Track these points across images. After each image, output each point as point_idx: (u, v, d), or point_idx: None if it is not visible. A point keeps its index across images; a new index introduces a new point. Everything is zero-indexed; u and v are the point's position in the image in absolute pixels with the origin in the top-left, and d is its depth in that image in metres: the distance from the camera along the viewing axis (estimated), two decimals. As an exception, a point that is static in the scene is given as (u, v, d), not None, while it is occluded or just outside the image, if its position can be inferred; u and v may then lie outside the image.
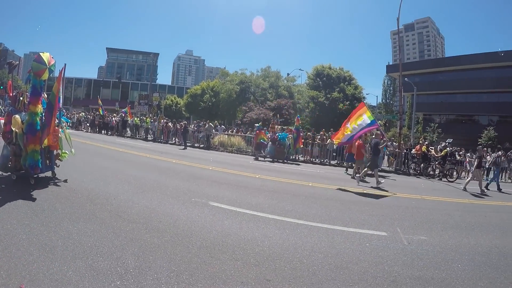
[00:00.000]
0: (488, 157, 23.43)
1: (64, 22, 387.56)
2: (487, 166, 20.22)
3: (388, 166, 22.63)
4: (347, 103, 50.14)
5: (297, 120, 24.22)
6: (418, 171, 20.62)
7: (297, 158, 23.89)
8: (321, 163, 22.80)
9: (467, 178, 16.72)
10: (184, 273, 4.45)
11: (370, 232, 7.11)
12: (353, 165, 18.16)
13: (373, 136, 15.86)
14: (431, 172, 20.50)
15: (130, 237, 5.59)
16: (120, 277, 4.19)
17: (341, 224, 7.53)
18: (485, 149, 29.12)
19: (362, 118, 13.74)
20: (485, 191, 15.29)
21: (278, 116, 31.67)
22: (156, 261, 4.74)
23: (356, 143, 16.14)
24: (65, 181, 9.24)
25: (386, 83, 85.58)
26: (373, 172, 14.71)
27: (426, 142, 23.79)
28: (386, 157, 23.06)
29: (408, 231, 7.38)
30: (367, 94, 57.53)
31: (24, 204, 6.95)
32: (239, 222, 7.05)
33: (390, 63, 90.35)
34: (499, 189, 16.62)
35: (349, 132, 13.95)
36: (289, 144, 22.56)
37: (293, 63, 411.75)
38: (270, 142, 22.61)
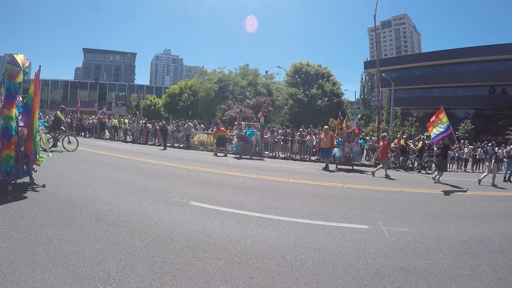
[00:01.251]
0: (466, 149, 23.95)
1: (39, 23, 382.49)
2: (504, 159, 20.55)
3: (367, 160, 22.88)
4: (326, 99, 50.73)
5: (261, 116, 24.45)
6: (397, 164, 20.89)
7: (277, 155, 24.03)
8: (302, 159, 22.92)
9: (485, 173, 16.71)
10: (167, 275, 4.43)
11: (351, 225, 7.18)
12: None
13: (441, 141, 16.04)
14: (410, 165, 20.80)
15: (111, 240, 5.53)
16: (103, 282, 4.15)
17: (323, 219, 7.58)
18: (463, 141, 29.66)
19: (441, 123, 15.45)
20: (495, 185, 15.66)
21: (241, 111, 31.84)
22: (138, 264, 4.70)
23: (382, 143, 17.21)
24: (44, 186, 9.07)
25: (364, 79, 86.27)
26: (440, 174, 15.39)
27: (404, 136, 24.13)
28: (365, 152, 23.32)
29: (389, 223, 7.48)
30: (345, 90, 58.29)
31: (2, 211, 6.80)
32: (220, 221, 7.03)
33: (368, 59, 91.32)
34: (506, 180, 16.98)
35: (434, 131, 15.69)
36: (256, 140, 23.03)
37: (271, 60, 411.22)
38: (236, 139, 22.84)
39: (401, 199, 10.76)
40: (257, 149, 23.36)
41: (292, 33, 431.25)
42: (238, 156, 22.16)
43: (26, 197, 8.01)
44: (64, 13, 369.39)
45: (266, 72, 55.82)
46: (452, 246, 6.15)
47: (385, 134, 21.22)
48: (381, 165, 16.89)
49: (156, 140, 29.67)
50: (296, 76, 55.65)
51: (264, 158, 22.48)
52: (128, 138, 32.01)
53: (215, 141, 24.41)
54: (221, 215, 7.48)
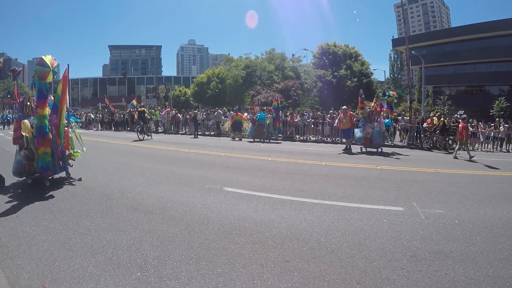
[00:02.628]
0: (501, 127, 23.13)
1: (64, 25, 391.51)
2: None
3: (400, 141, 22.45)
4: (355, 79, 49.82)
5: (276, 99, 24.38)
6: (431, 145, 20.35)
7: (308, 138, 23.93)
8: (333, 142, 22.68)
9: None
10: (203, 260, 4.48)
11: (386, 207, 7.05)
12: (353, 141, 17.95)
13: None
14: (437, 145, 20.15)
15: (147, 228, 5.64)
16: (141, 268, 4.24)
17: (357, 201, 7.49)
18: (498, 119, 28.62)
19: None
20: None
21: (258, 97, 31.88)
22: (174, 250, 4.78)
23: (460, 125, 16.43)
24: (80, 179, 9.34)
25: (392, 58, 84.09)
26: None
27: (437, 114, 23.40)
28: (398, 132, 22.87)
29: (425, 205, 7.29)
30: (374, 69, 56.46)
31: (42, 205, 7.05)
32: (255, 205, 7.06)
33: (395, 37, 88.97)
34: None
35: None
36: (268, 123, 23.02)
37: (298, 43, 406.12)
38: (250, 123, 23.47)
39: (436, 180, 10.45)
40: (271, 132, 23.47)
41: (317, 13, 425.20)
42: (252, 140, 22.79)
43: (64, 191, 8.27)
44: (88, 13, 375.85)
45: (293, 55, 54.90)
46: (489, 229, 5.93)
47: (465, 116, 20.19)
48: (458, 147, 16.33)
49: (187, 129, 29.96)
50: (324, 57, 54.60)
51: (280, 141, 22.88)
52: (160, 129, 32.40)
53: (230, 125, 25.24)
54: (255, 199, 7.51)
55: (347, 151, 17.33)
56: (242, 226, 5.77)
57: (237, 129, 24.59)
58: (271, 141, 22.64)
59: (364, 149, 17.39)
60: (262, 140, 22.64)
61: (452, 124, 20.31)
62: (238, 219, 6.12)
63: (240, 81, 52.41)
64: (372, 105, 18.32)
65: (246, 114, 27.08)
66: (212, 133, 28.30)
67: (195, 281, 3.97)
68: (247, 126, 24.35)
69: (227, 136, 26.03)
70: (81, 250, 4.82)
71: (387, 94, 19.15)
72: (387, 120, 18.43)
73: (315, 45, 74.93)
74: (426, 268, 4.34)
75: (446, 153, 18.28)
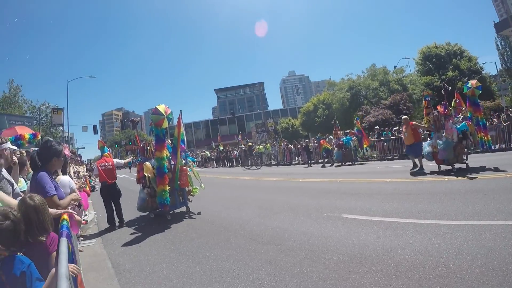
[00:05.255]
0: None
1: (174, 77, 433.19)
2: None
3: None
4: (465, 79, 45.67)
5: (357, 122, 24.44)
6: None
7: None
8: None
9: None
10: (322, 290, 4.32)
11: (523, 223, 6.24)
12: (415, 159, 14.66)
13: None
14: None
15: (265, 258, 5.68)
16: (258, 298, 4.23)
17: (488, 218, 6.72)
18: None
19: None
20: None
21: (337, 122, 31.20)
22: (292, 280, 4.72)
23: None
24: (199, 213, 10.03)
25: (500, 45, 74.18)
26: None
27: None
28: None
29: None
30: (483, 63, 50.24)
31: (163, 237, 7.66)
32: (375, 231, 6.73)
33: (496, 21, 79.50)
34: None
35: None
36: (355, 146, 23.26)
37: (397, 53, 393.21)
38: (336, 148, 24.04)
39: None
40: (357, 154, 23.85)
41: (409, 16, 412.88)
42: (340, 164, 23.50)
43: (184, 224, 9.01)
44: (195, 63, 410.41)
45: (395, 67, 52.95)
46: None
47: None
48: None
49: (300, 159, 30.14)
50: (427, 62, 50.86)
51: (367, 162, 23.10)
52: (273, 162, 32.99)
53: (323, 153, 25.87)
54: (375, 225, 7.18)
55: (417, 171, 14.02)
56: (363, 254, 5.52)
57: (328, 156, 25.24)
58: (356, 162, 22.99)
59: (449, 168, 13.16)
60: (351, 162, 22.91)
61: None
62: (358, 246, 5.88)
63: (346, 104, 51.63)
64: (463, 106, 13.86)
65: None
66: (326, 160, 28.02)
67: (314, 312, 3.84)
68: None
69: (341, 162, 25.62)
70: (199, 278, 5.04)
71: (465, 86, 13.89)
72: (461, 124, 12.70)
73: (414, 51, 71.07)
74: None
75: None
